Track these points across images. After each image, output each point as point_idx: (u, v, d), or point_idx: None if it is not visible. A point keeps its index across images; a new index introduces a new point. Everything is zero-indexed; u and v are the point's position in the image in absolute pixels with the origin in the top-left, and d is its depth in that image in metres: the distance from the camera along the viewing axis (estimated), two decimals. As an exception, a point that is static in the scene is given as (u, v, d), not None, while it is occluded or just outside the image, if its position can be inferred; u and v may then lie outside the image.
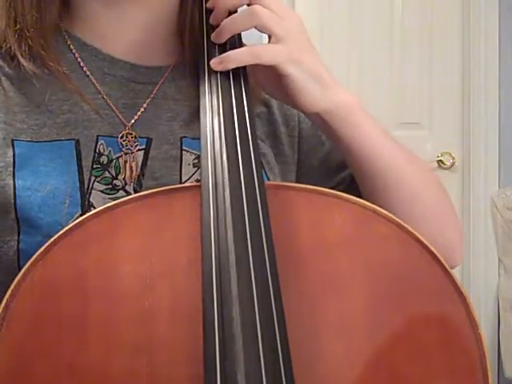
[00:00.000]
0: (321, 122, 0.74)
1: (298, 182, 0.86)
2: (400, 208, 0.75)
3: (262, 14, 0.69)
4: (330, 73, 0.73)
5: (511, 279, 2.54)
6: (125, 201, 0.61)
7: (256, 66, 0.70)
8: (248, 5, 0.71)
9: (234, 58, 0.68)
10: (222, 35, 0.71)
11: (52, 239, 0.59)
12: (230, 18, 0.71)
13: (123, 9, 0.78)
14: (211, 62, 0.69)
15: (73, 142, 0.74)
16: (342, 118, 0.73)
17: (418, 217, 0.77)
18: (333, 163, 0.87)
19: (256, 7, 0.69)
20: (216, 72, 0.69)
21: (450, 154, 2.67)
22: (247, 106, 0.67)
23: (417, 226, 0.75)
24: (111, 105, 0.77)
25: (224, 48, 0.71)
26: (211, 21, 0.73)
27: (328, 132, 0.75)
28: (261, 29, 0.70)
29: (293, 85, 0.71)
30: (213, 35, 0.72)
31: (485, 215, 2.60)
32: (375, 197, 0.77)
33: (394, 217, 0.63)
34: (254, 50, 0.69)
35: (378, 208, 0.63)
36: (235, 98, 0.67)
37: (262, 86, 0.76)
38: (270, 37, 0.70)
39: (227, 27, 0.70)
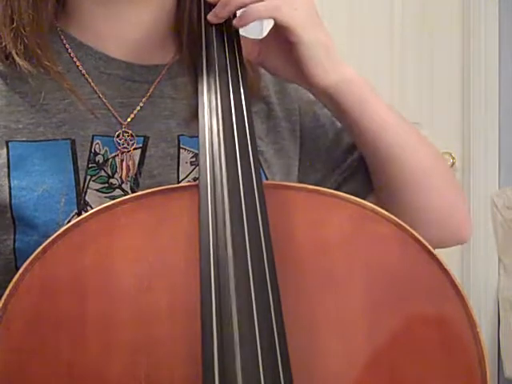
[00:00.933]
0: (328, 97, 0.76)
1: (303, 175, 0.87)
2: (411, 180, 0.79)
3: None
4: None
5: (511, 279, 2.54)
6: (122, 200, 0.61)
7: (268, 37, 0.72)
8: None
9: (252, 12, 0.69)
10: (228, 7, 0.70)
11: (50, 239, 0.59)
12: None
13: (119, 8, 0.77)
14: (234, 22, 0.70)
15: (68, 142, 0.74)
16: (349, 92, 0.75)
17: (428, 192, 0.81)
18: (338, 151, 0.88)
19: None
20: (214, 70, 0.69)
21: (450, 154, 2.67)
22: (245, 104, 0.67)
23: (424, 198, 0.80)
24: (107, 104, 0.77)
25: (223, 44, 0.71)
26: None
27: (335, 107, 0.77)
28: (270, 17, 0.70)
29: (306, 52, 0.72)
30: (218, 6, 0.71)
31: (485, 215, 2.60)
32: (385, 173, 0.80)
33: (392, 216, 0.63)
34: (272, 4, 0.70)
35: (376, 208, 0.63)
36: (233, 97, 0.67)
37: (273, 64, 0.77)
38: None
39: (227, 9, 0.70)
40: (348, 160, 0.87)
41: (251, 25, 0.71)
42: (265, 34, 0.75)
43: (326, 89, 0.75)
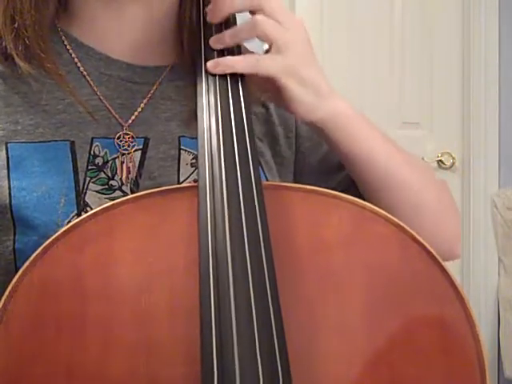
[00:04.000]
0: (317, 130, 0.75)
1: (296, 182, 0.85)
2: (401, 209, 0.76)
3: (264, 25, 0.68)
4: (328, 81, 0.73)
5: (511, 279, 2.54)
6: (122, 201, 0.61)
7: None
8: (251, 12, 0.70)
9: (230, 65, 0.68)
10: (219, 43, 0.70)
11: (49, 240, 0.59)
12: (231, 29, 0.70)
13: (122, 8, 0.77)
14: (208, 64, 0.69)
15: (68, 143, 0.74)
16: (337, 127, 0.73)
17: (420, 217, 0.78)
18: (332, 162, 0.87)
19: (258, 18, 0.68)
20: None
21: (450, 154, 2.67)
22: (244, 105, 0.67)
23: (419, 225, 0.76)
24: (107, 105, 0.77)
25: (221, 50, 0.71)
26: (208, 19, 0.73)
27: (325, 139, 0.76)
28: (262, 39, 0.69)
29: (287, 95, 0.70)
30: (211, 40, 0.71)
31: (485, 215, 2.60)
32: (375, 198, 0.77)
33: (392, 217, 0.63)
34: (251, 60, 0.68)
35: (376, 208, 0.63)
36: (232, 98, 0.67)
37: (260, 90, 0.76)
38: (270, 46, 0.70)
39: (227, 39, 0.70)
40: (340, 174, 0.86)
41: None
42: (266, 46, 0.74)
43: (312, 123, 0.74)
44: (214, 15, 0.71)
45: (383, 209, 0.76)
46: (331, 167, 0.87)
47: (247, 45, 0.74)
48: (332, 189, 0.84)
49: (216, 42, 0.71)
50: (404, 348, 0.59)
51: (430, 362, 0.59)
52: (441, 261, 0.62)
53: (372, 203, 0.79)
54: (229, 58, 0.69)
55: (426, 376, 0.59)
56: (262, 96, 0.83)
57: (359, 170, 0.77)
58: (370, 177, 0.77)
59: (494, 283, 2.59)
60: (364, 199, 0.80)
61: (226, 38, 0.70)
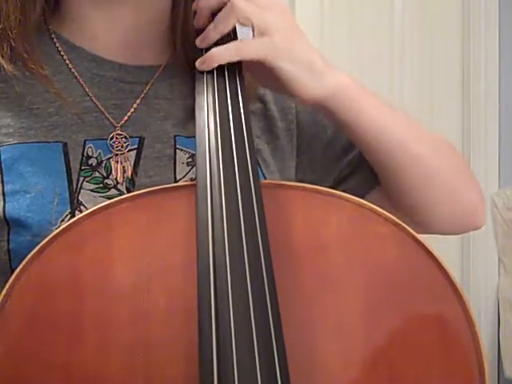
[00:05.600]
0: (322, 109, 0.74)
1: (302, 174, 0.86)
2: (414, 181, 0.78)
3: (240, 9, 0.68)
4: (323, 57, 0.72)
5: (511, 279, 2.54)
6: (119, 200, 0.61)
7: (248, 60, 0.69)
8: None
9: (216, 57, 0.68)
10: (205, 41, 0.71)
11: (47, 239, 0.59)
12: (212, 22, 0.70)
13: (113, 9, 0.77)
14: (196, 64, 0.68)
15: (60, 145, 0.73)
16: (341, 103, 0.73)
17: (434, 188, 0.79)
18: (337, 148, 0.87)
19: (233, 2, 0.68)
20: (212, 70, 0.69)
21: (450, 154, 2.67)
22: (242, 104, 0.67)
23: (432, 196, 0.79)
24: (100, 106, 0.76)
25: (220, 43, 0.71)
26: (195, 24, 0.73)
27: (331, 117, 0.76)
28: (242, 23, 0.69)
29: (284, 77, 0.70)
30: (197, 40, 0.71)
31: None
32: (388, 173, 0.79)
33: (391, 215, 0.63)
34: (236, 46, 0.68)
35: (374, 206, 0.63)
36: (230, 97, 0.67)
37: (257, 78, 0.75)
38: (253, 30, 0.69)
39: (211, 33, 0.70)
40: (347, 157, 0.86)
41: None
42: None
43: (314, 103, 0.73)
44: (197, 15, 0.72)
45: (396, 182, 0.78)
46: (336, 153, 0.87)
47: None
48: (341, 171, 0.85)
49: (202, 41, 0.71)
50: (402, 347, 0.59)
51: (428, 360, 0.59)
52: (439, 259, 0.62)
53: (384, 178, 0.81)
54: (213, 49, 0.68)
55: (425, 374, 0.59)
56: (261, 89, 0.83)
57: (369, 146, 0.77)
58: (381, 151, 0.77)
59: (494, 283, 2.59)
60: (376, 175, 0.82)
61: (209, 33, 0.70)
